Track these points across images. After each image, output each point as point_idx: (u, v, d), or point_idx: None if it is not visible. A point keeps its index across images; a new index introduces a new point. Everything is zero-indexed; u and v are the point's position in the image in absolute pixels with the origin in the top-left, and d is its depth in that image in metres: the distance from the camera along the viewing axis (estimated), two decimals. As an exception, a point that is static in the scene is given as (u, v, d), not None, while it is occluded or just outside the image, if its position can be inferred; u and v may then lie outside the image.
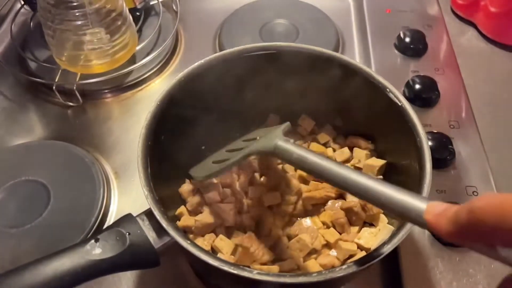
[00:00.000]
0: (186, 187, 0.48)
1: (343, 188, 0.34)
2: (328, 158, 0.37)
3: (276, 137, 0.39)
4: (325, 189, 0.47)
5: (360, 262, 0.34)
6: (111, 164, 0.58)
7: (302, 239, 0.42)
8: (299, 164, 0.37)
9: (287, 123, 0.45)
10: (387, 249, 0.34)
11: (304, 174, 0.48)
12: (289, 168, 0.50)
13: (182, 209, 0.46)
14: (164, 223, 0.35)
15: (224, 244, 0.43)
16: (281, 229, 0.45)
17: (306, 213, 0.46)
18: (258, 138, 0.45)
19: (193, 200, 0.47)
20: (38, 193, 0.53)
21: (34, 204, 0.52)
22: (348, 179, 0.33)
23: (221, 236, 0.44)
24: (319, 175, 0.36)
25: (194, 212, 0.46)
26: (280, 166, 0.50)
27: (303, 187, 0.47)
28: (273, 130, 0.44)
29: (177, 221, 0.45)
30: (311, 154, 0.36)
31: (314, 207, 0.47)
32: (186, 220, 0.45)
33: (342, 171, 0.33)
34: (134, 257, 0.36)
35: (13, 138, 0.61)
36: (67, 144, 0.58)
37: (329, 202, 0.46)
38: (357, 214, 0.44)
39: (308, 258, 0.43)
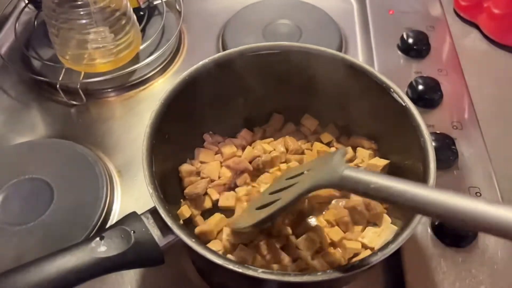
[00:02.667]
0: (185, 167, 0.49)
1: (448, 219, 0.28)
2: (412, 181, 0.30)
3: (338, 166, 0.33)
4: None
5: (364, 261, 0.34)
6: (114, 163, 0.58)
7: (309, 237, 0.42)
8: (378, 195, 0.31)
9: (345, 149, 0.39)
10: (392, 248, 0.34)
11: None
12: (293, 166, 0.50)
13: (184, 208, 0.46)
14: (169, 221, 0.35)
15: (244, 254, 0.42)
16: (290, 228, 0.45)
17: (311, 212, 0.46)
18: (305, 172, 0.40)
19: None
20: (41, 191, 0.53)
21: (38, 202, 0.53)
22: (456, 208, 0.27)
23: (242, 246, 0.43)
24: (411, 207, 0.29)
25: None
26: (284, 165, 0.50)
27: None
28: (326, 159, 0.38)
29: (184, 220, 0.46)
30: (394, 181, 0.30)
31: (319, 206, 0.47)
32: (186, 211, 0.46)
33: (444, 197, 0.27)
34: (139, 255, 0.36)
35: (16, 136, 0.61)
36: (70, 143, 0.58)
37: (333, 201, 0.46)
38: (360, 213, 0.44)
39: (316, 256, 0.43)
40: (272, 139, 0.54)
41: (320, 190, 0.45)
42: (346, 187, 0.33)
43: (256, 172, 0.51)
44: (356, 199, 0.45)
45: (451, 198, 0.27)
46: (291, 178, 0.41)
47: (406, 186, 0.30)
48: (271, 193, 0.41)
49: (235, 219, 0.44)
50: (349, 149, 0.51)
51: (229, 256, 0.43)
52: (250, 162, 0.51)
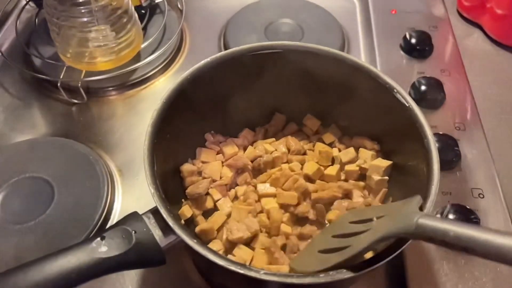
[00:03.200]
0: (187, 167, 0.48)
1: None
2: (495, 229, 0.30)
3: (413, 214, 0.32)
4: (331, 189, 0.46)
5: (367, 263, 0.33)
6: (115, 162, 0.58)
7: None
8: (459, 244, 0.29)
9: (419, 197, 0.36)
10: (395, 250, 0.34)
11: (309, 173, 0.48)
12: (295, 166, 0.49)
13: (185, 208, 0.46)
14: (170, 222, 0.35)
15: (243, 253, 0.42)
16: (290, 227, 0.45)
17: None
18: (375, 218, 0.38)
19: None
20: (42, 190, 0.53)
21: (38, 200, 0.52)
22: None
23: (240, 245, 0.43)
24: (498, 258, 0.27)
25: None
26: (285, 165, 0.50)
27: (309, 186, 0.47)
28: (400, 206, 0.36)
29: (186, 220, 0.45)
30: (475, 228, 0.28)
31: (321, 206, 0.46)
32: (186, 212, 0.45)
33: None
34: (140, 256, 0.35)
35: (17, 134, 0.61)
36: (71, 141, 0.58)
37: (336, 202, 0.46)
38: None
39: None
40: (273, 139, 0.53)
41: (322, 192, 0.46)
42: (422, 236, 0.31)
43: (257, 172, 0.51)
44: (357, 201, 0.45)
45: None
46: (357, 222, 0.39)
47: (488, 235, 0.28)
48: (335, 236, 0.40)
49: (297, 259, 0.42)
50: (352, 150, 0.51)
51: (230, 256, 0.43)
52: (251, 162, 0.50)
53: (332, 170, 0.49)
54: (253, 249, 0.44)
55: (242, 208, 0.46)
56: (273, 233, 0.45)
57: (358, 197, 0.46)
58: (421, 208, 0.35)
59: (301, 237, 0.44)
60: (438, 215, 0.50)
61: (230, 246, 0.44)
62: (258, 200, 0.48)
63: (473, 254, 0.29)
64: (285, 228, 0.45)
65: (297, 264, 0.40)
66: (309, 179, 0.48)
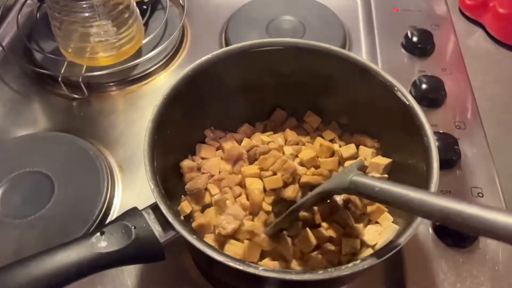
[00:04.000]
0: (186, 163, 0.48)
1: (441, 220, 0.30)
2: (412, 187, 0.33)
3: (350, 172, 0.37)
4: (321, 174, 0.46)
5: (366, 260, 0.33)
6: (115, 157, 0.58)
7: (306, 234, 0.42)
8: (381, 197, 0.34)
9: (360, 159, 0.43)
10: (394, 248, 0.34)
11: (303, 158, 0.48)
12: (287, 151, 0.49)
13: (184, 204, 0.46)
14: (170, 218, 0.35)
15: (235, 248, 0.42)
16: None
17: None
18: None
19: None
20: (42, 184, 0.53)
21: (38, 195, 0.52)
22: (447, 209, 0.28)
23: (231, 240, 0.43)
24: (409, 208, 0.32)
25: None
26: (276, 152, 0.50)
27: (299, 168, 0.47)
28: (344, 169, 0.42)
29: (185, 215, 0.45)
30: (396, 185, 0.33)
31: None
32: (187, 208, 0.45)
33: (436, 201, 0.29)
34: (140, 251, 0.35)
35: (18, 129, 0.61)
36: (71, 136, 0.58)
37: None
38: (356, 205, 0.44)
39: (312, 254, 0.42)
40: (272, 132, 0.53)
41: (311, 177, 0.46)
42: (353, 190, 0.36)
43: (253, 163, 0.50)
44: None
45: (443, 201, 0.29)
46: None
47: (405, 190, 0.32)
48: None
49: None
50: (353, 146, 0.51)
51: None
52: (247, 152, 0.50)
53: (329, 162, 0.49)
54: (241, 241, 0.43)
55: (220, 200, 0.46)
56: (255, 214, 0.45)
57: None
58: (358, 169, 0.38)
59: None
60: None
61: (223, 241, 0.44)
62: (239, 184, 0.47)
63: (392, 205, 0.34)
64: (266, 206, 0.45)
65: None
66: (302, 165, 0.48)
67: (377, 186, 0.34)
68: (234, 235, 0.43)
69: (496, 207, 0.29)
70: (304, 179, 0.46)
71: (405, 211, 0.36)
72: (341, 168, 0.50)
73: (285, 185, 0.46)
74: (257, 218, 0.44)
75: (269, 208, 0.45)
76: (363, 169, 0.40)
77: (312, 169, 0.48)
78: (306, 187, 0.46)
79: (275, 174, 0.47)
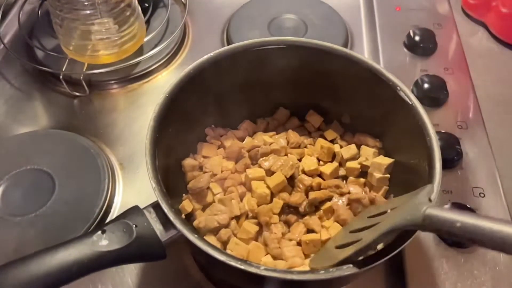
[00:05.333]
0: (188, 162, 0.48)
1: None
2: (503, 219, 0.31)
3: (421, 205, 0.32)
4: (328, 189, 0.47)
5: (367, 260, 0.33)
6: (116, 155, 0.58)
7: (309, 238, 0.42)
8: (466, 235, 0.29)
9: (430, 186, 0.36)
10: (396, 248, 0.34)
11: (306, 169, 0.48)
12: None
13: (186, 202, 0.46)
14: (171, 216, 0.35)
15: (239, 248, 0.42)
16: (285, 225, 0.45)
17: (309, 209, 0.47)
18: (389, 211, 0.38)
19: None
20: (43, 182, 0.53)
21: (39, 193, 0.52)
22: None
23: (236, 240, 0.43)
24: (505, 247, 0.28)
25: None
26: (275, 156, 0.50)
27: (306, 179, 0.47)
28: (411, 196, 0.36)
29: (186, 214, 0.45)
30: (482, 219, 0.29)
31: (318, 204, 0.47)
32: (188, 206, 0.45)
33: None
34: (141, 250, 0.35)
35: (19, 126, 0.61)
36: (73, 134, 0.58)
37: (334, 199, 0.46)
38: (364, 206, 0.44)
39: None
40: (274, 132, 0.53)
41: (319, 192, 0.46)
42: (429, 227, 0.31)
43: (254, 163, 0.50)
44: (356, 193, 0.45)
45: None
46: (373, 216, 0.39)
47: (495, 224, 0.28)
48: (352, 231, 0.39)
49: (316, 257, 0.42)
50: (353, 146, 0.51)
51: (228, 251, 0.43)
52: (248, 152, 0.50)
53: (328, 168, 0.49)
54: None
55: (225, 199, 0.46)
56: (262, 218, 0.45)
57: (355, 191, 0.47)
58: (430, 199, 0.34)
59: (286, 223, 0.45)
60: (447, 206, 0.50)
61: (225, 240, 0.44)
62: (243, 183, 0.48)
63: (480, 244, 0.29)
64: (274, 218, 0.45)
65: (315, 262, 0.40)
66: (304, 174, 0.49)
67: (458, 221, 0.29)
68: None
69: None
70: (312, 195, 0.46)
71: (498, 250, 0.29)
72: (342, 170, 0.49)
73: (288, 181, 0.46)
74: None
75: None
76: (432, 196, 0.35)
77: (317, 179, 0.48)
78: (315, 202, 0.46)
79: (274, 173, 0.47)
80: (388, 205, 0.40)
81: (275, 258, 0.43)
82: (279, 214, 0.46)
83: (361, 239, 0.35)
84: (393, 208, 0.38)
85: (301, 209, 0.46)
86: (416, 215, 0.31)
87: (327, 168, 0.49)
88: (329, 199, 0.47)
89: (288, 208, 0.47)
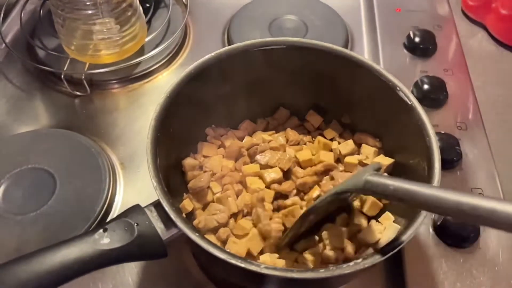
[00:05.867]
0: (189, 161, 0.49)
1: (457, 215, 0.31)
2: (426, 184, 0.35)
3: (365, 173, 0.37)
4: (316, 176, 0.47)
5: (367, 259, 0.34)
6: (117, 155, 0.58)
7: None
8: (396, 195, 0.34)
9: (378, 163, 0.43)
10: (395, 247, 0.34)
11: (301, 159, 0.49)
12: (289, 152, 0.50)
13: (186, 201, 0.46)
14: (172, 215, 0.35)
15: (238, 247, 0.43)
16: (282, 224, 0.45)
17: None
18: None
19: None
20: (44, 181, 0.53)
21: (40, 192, 0.53)
22: (462, 205, 0.29)
23: (234, 239, 0.43)
24: (425, 206, 0.33)
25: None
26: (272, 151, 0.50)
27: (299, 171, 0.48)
28: (358, 172, 0.42)
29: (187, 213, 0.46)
30: (410, 183, 0.33)
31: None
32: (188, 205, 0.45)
33: (451, 196, 0.30)
34: (142, 248, 0.36)
35: (20, 125, 0.61)
36: (74, 133, 0.58)
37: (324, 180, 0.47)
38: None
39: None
40: (274, 131, 0.54)
41: (307, 178, 0.46)
42: (368, 190, 0.36)
43: (253, 161, 0.50)
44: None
45: (457, 196, 0.29)
46: None
47: (419, 187, 0.32)
48: None
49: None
50: (351, 142, 0.51)
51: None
52: (247, 150, 0.51)
53: (323, 156, 0.49)
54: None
55: (221, 197, 0.46)
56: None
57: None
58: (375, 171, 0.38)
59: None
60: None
61: (225, 239, 0.44)
62: (239, 181, 0.48)
63: (406, 204, 0.34)
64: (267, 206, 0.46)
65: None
66: (299, 166, 0.49)
67: (391, 185, 0.34)
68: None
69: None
70: (299, 181, 0.46)
71: (421, 209, 0.36)
72: (340, 165, 0.50)
73: (284, 175, 0.47)
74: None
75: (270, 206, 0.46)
76: (379, 170, 0.40)
77: (308, 169, 0.48)
78: (303, 190, 0.47)
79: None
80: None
81: (262, 235, 0.43)
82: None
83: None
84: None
85: (291, 197, 0.47)
86: (359, 180, 0.36)
87: (323, 156, 0.49)
88: (318, 184, 0.47)
89: (281, 197, 0.47)
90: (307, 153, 0.49)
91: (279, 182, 0.47)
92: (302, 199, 0.46)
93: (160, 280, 0.48)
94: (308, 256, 0.42)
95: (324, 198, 0.39)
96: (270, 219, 0.44)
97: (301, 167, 0.49)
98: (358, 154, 0.50)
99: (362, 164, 0.49)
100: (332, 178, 0.47)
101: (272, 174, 0.47)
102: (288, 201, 0.45)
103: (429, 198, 0.31)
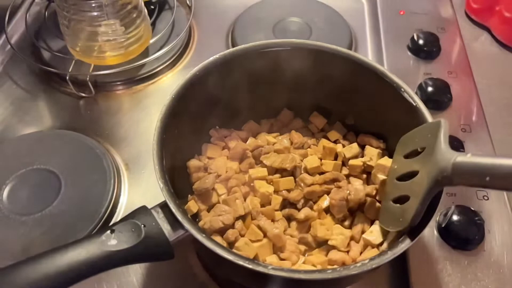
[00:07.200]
0: (193, 163, 0.49)
1: None
2: None
3: (445, 153, 0.33)
4: (326, 185, 0.47)
5: (374, 260, 0.34)
6: (121, 156, 0.59)
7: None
8: (499, 183, 0.30)
9: (441, 121, 0.37)
10: (401, 248, 0.34)
11: (308, 166, 0.49)
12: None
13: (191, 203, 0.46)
14: (179, 216, 0.35)
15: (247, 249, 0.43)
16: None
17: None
18: (419, 149, 0.40)
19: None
20: (49, 182, 0.54)
21: (45, 192, 0.53)
22: None
23: (246, 240, 0.43)
24: None
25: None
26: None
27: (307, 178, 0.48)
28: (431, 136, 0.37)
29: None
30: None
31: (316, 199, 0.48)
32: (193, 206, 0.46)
33: None
34: (149, 249, 0.36)
35: (25, 127, 0.62)
36: (78, 135, 0.58)
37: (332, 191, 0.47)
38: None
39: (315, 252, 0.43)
40: (278, 133, 0.54)
41: (315, 186, 0.46)
42: (459, 181, 0.32)
43: (258, 163, 0.51)
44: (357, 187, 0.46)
45: None
46: (409, 156, 0.41)
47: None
48: (398, 178, 0.42)
49: (381, 218, 0.43)
50: (356, 145, 0.51)
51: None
52: (252, 151, 0.51)
53: (329, 166, 0.49)
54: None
55: (229, 199, 0.46)
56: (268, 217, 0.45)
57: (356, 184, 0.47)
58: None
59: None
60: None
61: (233, 240, 0.44)
62: (246, 183, 0.48)
63: None
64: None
65: (384, 222, 0.42)
66: (307, 172, 0.49)
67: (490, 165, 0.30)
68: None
69: None
70: (307, 189, 0.46)
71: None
72: (345, 169, 0.50)
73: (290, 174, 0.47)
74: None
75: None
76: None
77: (317, 177, 0.48)
78: (311, 198, 0.47)
79: (277, 171, 0.48)
80: (413, 136, 0.42)
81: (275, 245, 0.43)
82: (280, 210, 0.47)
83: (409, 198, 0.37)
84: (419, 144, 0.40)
85: (299, 205, 0.47)
86: (445, 165, 0.33)
87: (329, 165, 0.49)
88: (327, 193, 0.47)
89: (290, 205, 0.47)
90: (315, 160, 0.49)
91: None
92: (311, 208, 0.46)
93: (164, 280, 0.48)
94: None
95: (421, 201, 0.35)
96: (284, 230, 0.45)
97: (309, 174, 0.49)
98: (362, 156, 0.50)
99: (366, 166, 0.49)
100: (339, 187, 0.47)
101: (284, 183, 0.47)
102: (300, 215, 0.45)
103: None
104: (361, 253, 0.43)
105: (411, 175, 0.39)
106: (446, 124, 0.37)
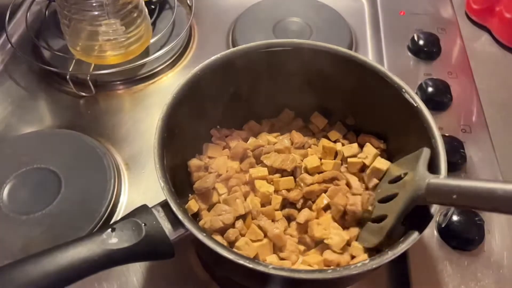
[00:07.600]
0: (194, 162, 0.49)
1: None
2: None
3: (423, 175, 0.36)
4: (325, 184, 0.47)
5: (374, 260, 0.34)
6: (122, 155, 0.59)
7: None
8: (463, 201, 0.33)
9: (424, 148, 0.41)
10: (401, 248, 0.34)
11: (308, 166, 0.49)
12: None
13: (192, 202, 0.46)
14: (180, 215, 0.35)
15: (248, 248, 0.43)
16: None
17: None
18: (402, 175, 0.42)
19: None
20: (49, 181, 0.54)
21: (45, 192, 0.53)
22: None
23: (247, 240, 0.43)
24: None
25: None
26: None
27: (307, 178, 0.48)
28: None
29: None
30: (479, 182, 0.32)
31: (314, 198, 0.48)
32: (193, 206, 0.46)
33: None
34: (150, 248, 0.36)
35: (25, 126, 0.62)
36: (79, 134, 0.58)
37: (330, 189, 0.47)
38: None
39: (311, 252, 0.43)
40: (278, 133, 0.54)
41: (314, 186, 0.47)
42: (431, 200, 0.35)
43: (259, 162, 0.51)
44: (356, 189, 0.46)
45: None
46: (393, 182, 0.44)
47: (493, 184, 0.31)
48: (379, 201, 0.44)
49: (361, 236, 0.44)
50: (355, 145, 0.51)
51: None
52: (252, 151, 0.51)
53: (328, 165, 0.49)
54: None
55: (229, 198, 0.46)
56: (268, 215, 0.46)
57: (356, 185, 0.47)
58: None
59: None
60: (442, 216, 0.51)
61: (233, 240, 0.44)
62: (247, 183, 0.48)
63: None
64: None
65: (364, 240, 0.43)
66: (307, 172, 0.49)
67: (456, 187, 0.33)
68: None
69: None
70: (306, 189, 0.46)
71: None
72: (343, 167, 0.50)
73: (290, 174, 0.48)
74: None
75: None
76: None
77: (316, 176, 0.48)
78: (310, 198, 0.47)
79: (277, 171, 0.48)
80: (401, 165, 0.45)
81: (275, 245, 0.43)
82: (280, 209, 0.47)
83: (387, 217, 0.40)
84: (405, 172, 0.42)
85: (298, 205, 0.47)
86: (417, 188, 0.36)
87: (328, 165, 0.49)
88: (325, 192, 0.47)
89: (290, 205, 0.47)
90: (315, 160, 0.49)
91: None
92: (310, 208, 0.46)
93: (164, 280, 0.48)
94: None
95: (396, 216, 0.38)
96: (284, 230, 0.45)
97: (309, 174, 0.49)
98: (361, 155, 0.51)
99: (364, 164, 0.49)
100: (337, 185, 0.47)
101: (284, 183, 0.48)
102: (300, 218, 0.45)
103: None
104: (352, 257, 0.43)
105: (392, 197, 0.42)
106: (428, 152, 0.40)
